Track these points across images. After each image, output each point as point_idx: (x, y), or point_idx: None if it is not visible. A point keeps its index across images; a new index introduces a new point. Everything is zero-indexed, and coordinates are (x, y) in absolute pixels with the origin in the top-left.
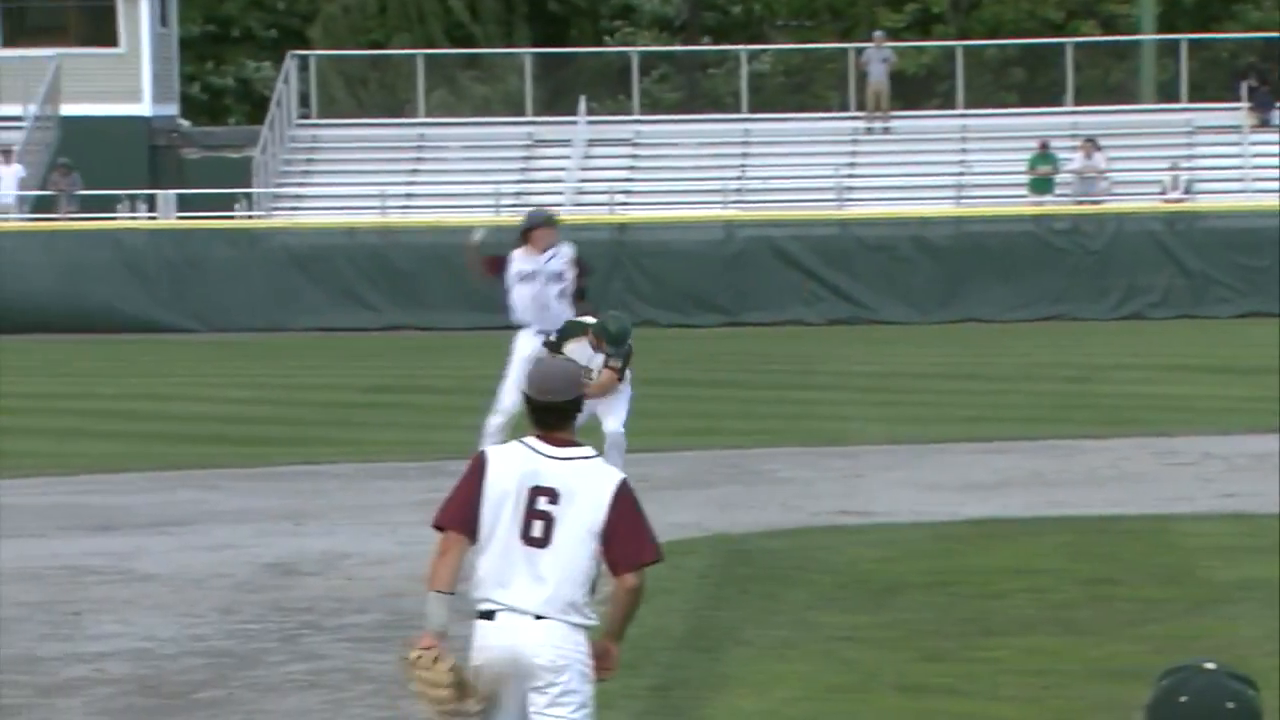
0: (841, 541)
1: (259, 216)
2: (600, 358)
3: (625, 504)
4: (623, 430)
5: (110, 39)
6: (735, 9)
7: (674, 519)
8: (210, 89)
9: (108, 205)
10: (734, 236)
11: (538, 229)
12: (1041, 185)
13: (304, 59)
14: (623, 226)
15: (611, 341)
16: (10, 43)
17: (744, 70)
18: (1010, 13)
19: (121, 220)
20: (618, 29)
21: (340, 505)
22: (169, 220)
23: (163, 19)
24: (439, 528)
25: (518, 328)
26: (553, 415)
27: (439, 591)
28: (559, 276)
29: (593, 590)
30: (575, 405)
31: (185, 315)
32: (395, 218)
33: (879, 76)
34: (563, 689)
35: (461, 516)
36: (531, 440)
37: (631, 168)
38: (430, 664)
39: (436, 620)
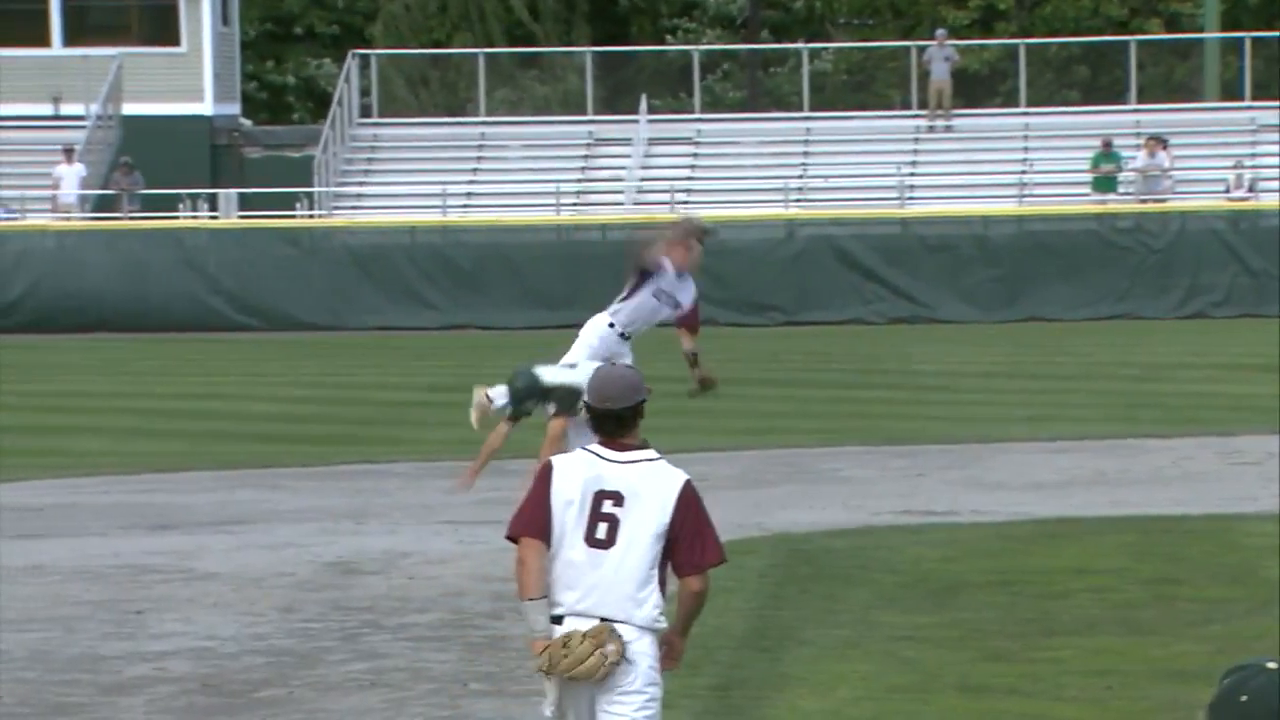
0: (903, 541)
1: (320, 216)
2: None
3: (690, 505)
4: None
5: (172, 38)
6: (797, 6)
7: (734, 518)
8: (270, 86)
9: (169, 204)
10: (795, 235)
11: (691, 239)
12: (1105, 184)
13: (365, 58)
14: None
15: (515, 398)
16: (72, 42)
17: (805, 69)
18: (1073, 10)
19: (183, 219)
20: (679, 27)
21: (401, 504)
22: (230, 219)
23: (224, 18)
24: (513, 539)
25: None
26: (613, 422)
27: (533, 599)
28: (675, 304)
29: (662, 591)
30: (636, 412)
31: (246, 314)
32: (456, 217)
33: (941, 74)
34: (625, 689)
35: (534, 523)
36: (595, 447)
37: (692, 166)
38: (564, 648)
39: (541, 626)
